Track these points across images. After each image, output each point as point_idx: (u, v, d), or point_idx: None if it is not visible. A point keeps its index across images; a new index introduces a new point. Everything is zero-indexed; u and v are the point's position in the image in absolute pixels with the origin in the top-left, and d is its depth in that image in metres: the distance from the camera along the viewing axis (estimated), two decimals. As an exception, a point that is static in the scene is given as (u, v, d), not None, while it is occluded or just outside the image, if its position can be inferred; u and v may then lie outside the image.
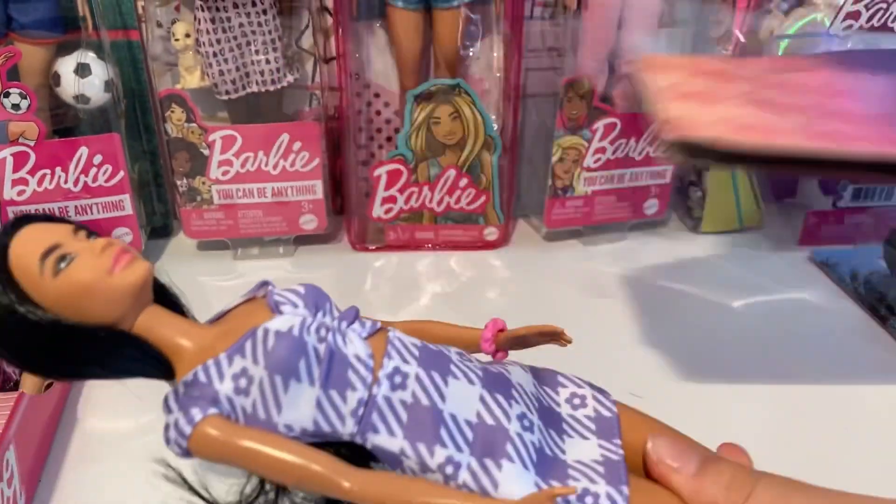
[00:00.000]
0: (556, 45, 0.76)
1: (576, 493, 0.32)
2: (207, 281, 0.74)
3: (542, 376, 0.39)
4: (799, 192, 0.87)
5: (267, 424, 0.32)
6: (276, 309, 0.34)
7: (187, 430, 0.31)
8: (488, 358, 0.40)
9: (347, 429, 0.32)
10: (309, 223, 0.77)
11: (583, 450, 0.35)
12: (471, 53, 0.76)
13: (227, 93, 0.72)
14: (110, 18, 0.71)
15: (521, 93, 0.79)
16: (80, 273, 0.32)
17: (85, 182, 0.69)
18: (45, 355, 0.33)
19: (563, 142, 0.75)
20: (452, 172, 0.76)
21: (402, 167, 0.75)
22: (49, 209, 0.69)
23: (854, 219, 0.79)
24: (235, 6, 0.68)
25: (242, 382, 0.32)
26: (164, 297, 0.37)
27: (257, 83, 0.72)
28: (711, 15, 0.74)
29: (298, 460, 0.31)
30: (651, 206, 0.81)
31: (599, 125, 0.74)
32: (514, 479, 0.32)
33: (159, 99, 0.70)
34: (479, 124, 0.74)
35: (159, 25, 0.72)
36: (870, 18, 0.68)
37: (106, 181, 0.70)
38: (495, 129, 0.74)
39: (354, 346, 0.34)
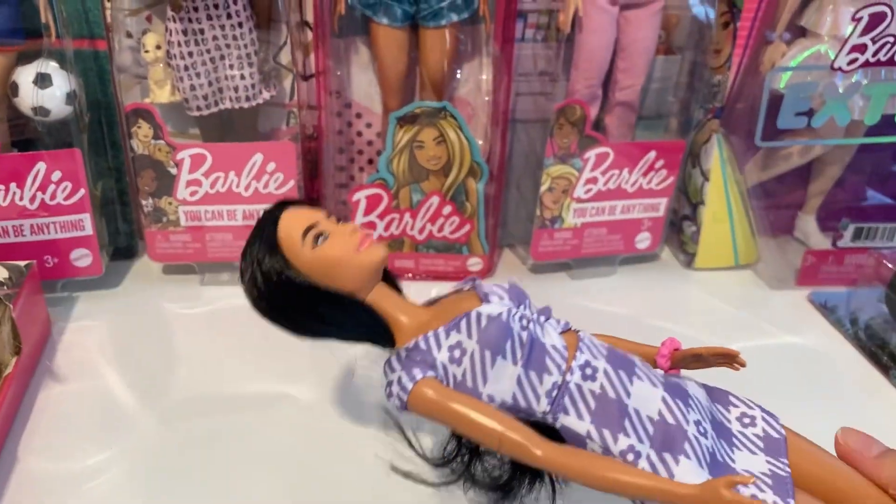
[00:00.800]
0: (547, 70, 0.72)
1: (750, 483, 0.35)
2: (171, 309, 0.69)
3: (715, 394, 0.42)
4: (796, 228, 0.83)
5: (473, 393, 0.37)
6: (485, 298, 0.40)
7: (409, 386, 0.37)
8: None
9: (541, 407, 0.37)
10: (282, 248, 0.72)
11: (752, 462, 0.37)
12: (458, 76, 0.72)
13: (199, 108, 0.67)
14: (76, 27, 0.66)
15: (511, 117, 0.75)
16: (333, 249, 0.40)
17: (42, 199, 0.65)
18: (298, 312, 0.41)
19: (553, 171, 0.71)
20: (436, 199, 0.72)
21: (382, 192, 0.71)
22: (2, 227, 0.65)
23: (854, 259, 0.75)
24: (209, 18, 0.64)
25: (456, 353, 0.37)
26: (389, 280, 0.44)
27: (231, 99, 0.68)
28: (711, 43, 0.71)
29: (499, 426, 0.36)
30: (643, 240, 0.77)
31: (591, 154, 0.71)
32: (690, 473, 0.35)
33: (125, 113, 0.66)
34: (465, 150, 0.70)
35: (129, 36, 0.68)
36: (876, 52, 0.65)
37: (65, 199, 0.65)
38: (482, 155, 0.71)
39: (551, 337, 0.38)
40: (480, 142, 0.73)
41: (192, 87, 0.66)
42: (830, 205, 0.81)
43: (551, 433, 0.37)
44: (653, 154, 0.72)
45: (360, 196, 0.71)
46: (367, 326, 0.41)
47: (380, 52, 0.69)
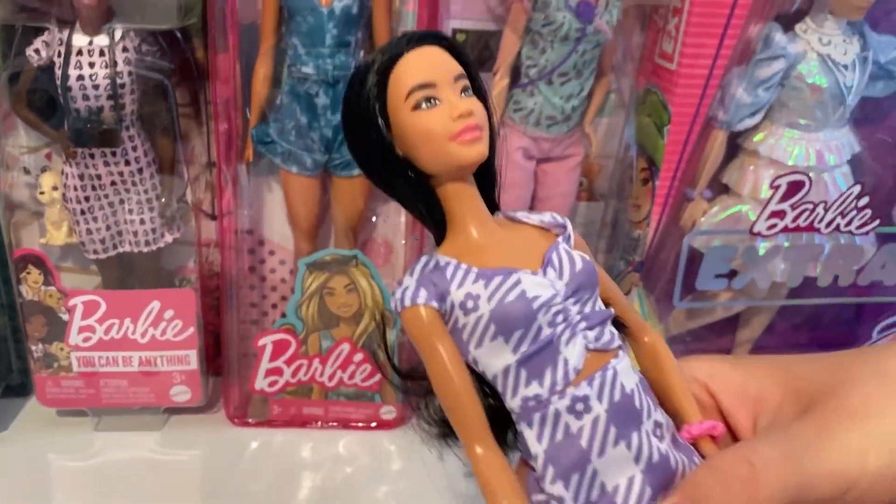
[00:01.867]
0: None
1: None
2: (55, 461, 0.65)
3: None
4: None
5: (461, 346, 0.32)
6: (545, 264, 0.33)
7: (408, 303, 0.32)
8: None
9: (513, 403, 0.32)
10: (181, 395, 0.69)
11: None
12: (374, 219, 0.70)
13: (96, 252, 0.64)
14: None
15: (430, 259, 0.73)
16: (430, 122, 0.32)
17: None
18: (367, 154, 0.34)
19: None
20: (346, 346, 0.69)
21: (290, 338, 0.68)
22: None
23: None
24: (107, 164, 0.61)
25: (469, 304, 0.32)
26: (486, 182, 0.36)
27: (130, 244, 0.65)
28: (630, 197, 0.70)
29: (460, 395, 0.32)
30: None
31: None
32: None
33: (13, 259, 0.62)
34: (376, 297, 0.68)
35: (27, 172, 0.65)
36: (795, 218, 0.64)
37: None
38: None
39: (572, 350, 0.32)
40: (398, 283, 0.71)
41: (89, 231, 0.63)
42: (760, 352, 0.79)
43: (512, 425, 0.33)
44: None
45: (267, 341, 0.68)
46: (423, 214, 0.35)
47: (290, 199, 0.66)
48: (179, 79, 0.62)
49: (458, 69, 0.34)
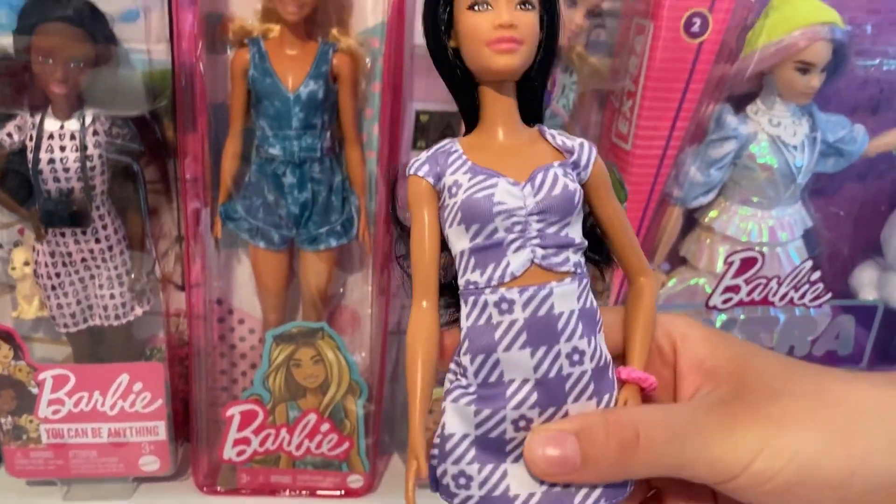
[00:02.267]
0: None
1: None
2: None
3: None
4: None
5: (441, 221, 0.35)
6: (529, 179, 0.34)
7: (412, 171, 0.35)
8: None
9: (461, 281, 0.34)
10: (150, 465, 0.70)
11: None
12: (341, 290, 0.71)
13: (66, 326, 0.66)
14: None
15: (398, 328, 0.74)
16: (475, 24, 0.34)
17: None
18: (428, 39, 0.36)
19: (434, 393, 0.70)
20: (313, 416, 0.70)
21: (257, 408, 0.69)
22: None
23: None
24: (77, 242, 0.63)
25: (453, 189, 0.34)
26: (528, 92, 0.36)
27: (101, 317, 0.66)
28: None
29: (423, 255, 0.34)
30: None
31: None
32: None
33: (-17, 335, 0.64)
34: (343, 369, 0.69)
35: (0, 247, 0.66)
36: (750, 292, 0.66)
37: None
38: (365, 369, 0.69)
39: (516, 258, 0.34)
40: (363, 354, 0.72)
41: (60, 306, 0.65)
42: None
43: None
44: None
45: (235, 411, 0.69)
46: (460, 104, 0.37)
47: (258, 273, 0.68)
48: (150, 158, 0.64)
49: None
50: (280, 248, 0.66)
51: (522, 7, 0.34)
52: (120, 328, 0.67)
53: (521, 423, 0.33)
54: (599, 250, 0.36)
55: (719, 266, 0.67)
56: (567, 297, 0.33)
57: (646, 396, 0.35)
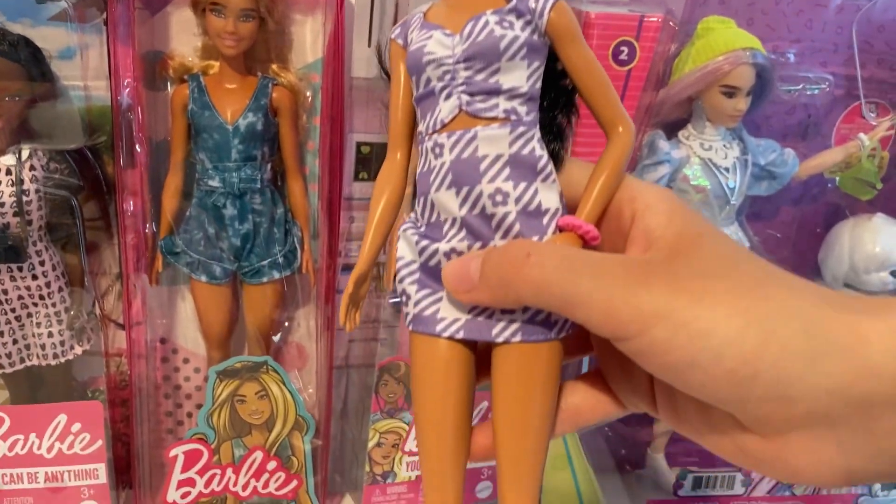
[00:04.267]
0: (377, 318, 0.72)
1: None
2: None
3: None
4: (647, 466, 0.82)
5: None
6: (462, 28, 0.34)
7: (391, 36, 0.37)
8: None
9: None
10: (90, 511, 0.67)
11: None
12: (286, 324, 0.71)
13: (2, 367, 0.64)
14: None
15: (346, 363, 0.74)
16: None
17: None
18: None
19: (380, 426, 0.69)
20: (259, 454, 0.68)
21: (202, 447, 0.68)
22: None
23: (697, 508, 0.74)
24: (13, 279, 0.62)
25: (409, 47, 0.35)
26: None
27: (38, 357, 0.65)
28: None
29: (396, 108, 0.36)
30: (484, 489, 0.74)
31: (421, 407, 0.69)
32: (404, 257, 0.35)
33: (-87, 376, 0.62)
34: (288, 404, 0.68)
35: (-66, 288, 0.65)
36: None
37: None
38: (306, 406, 0.68)
39: (445, 105, 0.35)
40: (311, 390, 0.71)
41: (-5, 346, 0.63)
42: (678, 442, 0.80)
43: None
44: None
45: (178, 451, 0.67)
46: None
47: (200, 308, 0.67)
48: (90, 193, 0.64)
49: None
50: (222, 281, 0.66)
51: None
52: (59, 368, 0.66)
53: (453, 256, 0.34)
54: (562, 103, 0.36)
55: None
56: (494, 141, 0.33)
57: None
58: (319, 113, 0.66)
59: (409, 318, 0.35)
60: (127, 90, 0.60)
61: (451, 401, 0.34)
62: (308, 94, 0.66)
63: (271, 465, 0.69)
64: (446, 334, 0.33)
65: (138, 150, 0.62)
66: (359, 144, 0.67)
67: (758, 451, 0.28)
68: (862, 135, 0.71)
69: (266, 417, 0.68)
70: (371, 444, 0.69)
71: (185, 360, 0.72)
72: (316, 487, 0.70)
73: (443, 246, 0.34)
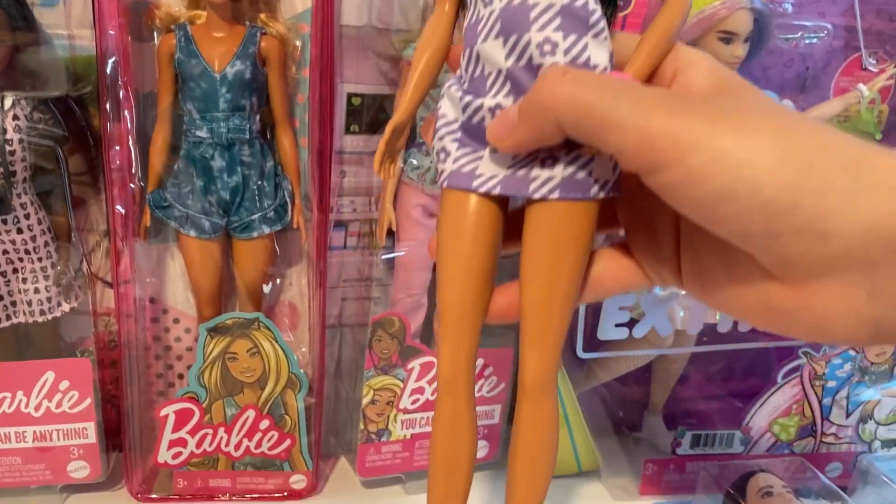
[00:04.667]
0: (370, 276, 0.71)
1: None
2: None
3: None
4: (644, 428, 0.81)
5: None
6: None
7: None
8: None
9: None
10: (79, 471, 0.66)
11: None
12: (279, 281, 0.70)
13: (-12, 324, 0.63)
14: None
15: (339, 322, 0.73)
16: None
17: None
18: None
19: (374, 382, 0.68)
20: (252, 413, 0.67)
21: (193, 406, 0.67)
22: None
23: (696, 466, 0.73)
24: (-2, 232, 0.61)
25: None
26: None
27: (25, 314, 0.64)
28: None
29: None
30: (481, 447, 0.73)
31: (415, 364, 0.68)
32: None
33: None
34: (281, 361, 0.67)
35: (-82, 245, 0.64)
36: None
37: None
38: (300, 364, 0.67)
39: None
40: (304, 349, 0.70)
41: (-20, 302, 0.62)
42: (675, 404, 0.80)
43: None
44: (480, 361, 0.69)
45: (169, 411, 0.66)
46: None
47: (190, 264, 0.66)
48: (75, 147, 0.63)
49: None
50: (211, 236, 0.65)
51: None
52: (46, 326, 0.65)
53: (496, 112, 0.33)
54: None
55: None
56: None
57: None
58: (309, 64, 0.65)
59: (445, 174, 0.34)
60: (112, 40, 0.59)
61: (478, 255, 0.34)
62: (297, 44, 0.64)
63: (264, 423, 0.68)
64: (483, 189, 0.33)
65: (124, 101, 0.61)
66: (349, 95, 0.66)
67: (784, 301, 0.28)
68: (861, 85, 0.70)
69: (258, 375, 0.67)
70: (365, 401, 0.68)
71: (176, 321, 0.71)
72: (310, 447, 0.69)
73: (487, 101, 0.33)
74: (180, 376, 0.72)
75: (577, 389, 0.73)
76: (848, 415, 0.74)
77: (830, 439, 0.75)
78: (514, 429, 0.36)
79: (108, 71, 0.59)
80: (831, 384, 0.73)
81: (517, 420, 0.36)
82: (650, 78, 0.33)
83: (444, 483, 0.37)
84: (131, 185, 0.63)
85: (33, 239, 0.62)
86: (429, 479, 0.38)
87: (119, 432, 0.69)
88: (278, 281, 0.70)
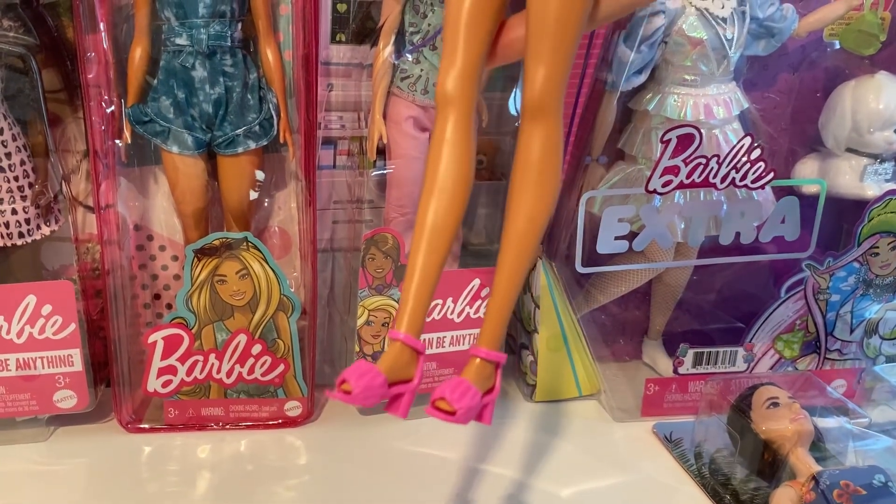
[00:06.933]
0: (361, 197, 0.68)
1: None
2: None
3: None
4: (644, 353, 0.80)
5: None
6: None
7: None
8: None
9: None
10: (66, 401, 0.64)
11: None
12: (266, 203, 0.67)
13: (-36, 248, 0.60)
14: None
15: (330, 246, 0.71)
16: None
17: None
18: None
19: (369, 303, 0.66)
20: (243, 338, 0.65)
21: (182, 332, 0.64)
22: None
23: (699, 386, 0.71)
24: (-30, 149, 0.58)
25: None
26: None
27: (3, 236, 0.61)
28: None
29: None
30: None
31: (410, 284, 0.66)
32: None
33: None
34: (272, 283, 0.65)
35: None
36: (689, 174, 0.63)
37: None
38: (291, 287, 0.65)
39: None
40: (295, 274, 0.68)
41: (-45, 225, 0.60)
42: (675, 327, 0.78)
43: None
44: (477, 282, 0.68)
45: (157, 337, 0.64)
46: None
47: (173, 182, 0.64)
48: (48, 59, 0.60)
49: None
50: (195, 152, 0.62)
51: None
52: (26, 250, 0.63)
53: None
54: None
55: (656, 152, 0.64)
56: None
57: None
58: (292, -30, 0.62)
59: None
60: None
61: None
62: (279, -51, 0.62)
63: (256, 348, 0.66)
64: None
65: (99, 10, 0.58)
66: (335, 2, 0.63)
67: None
68: (864, -14, 0.68)
69: (249, 298, 0.65)
70: (360, 321, 0.66)
71: (162, 248, 0.69)
72: (304, 372, 0.67)
73: None
74: (169, 306, 0.70)
75: (577, 313, 0.72)
76: (852, 330, 0.73)
77: (835, 355, 0.74)
78: (516, 151, 0.36)
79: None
80: (835, 298, 0.72)
81: (519, 142, 0.36)
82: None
83: (435, 206, 0.40)
84: (109, 100, 0.60)
85: (8, 156, 0.59)
86: (419, 203, 0.39)
87: (106, 365, 0.67)
88: (266, 203, 0.67)
